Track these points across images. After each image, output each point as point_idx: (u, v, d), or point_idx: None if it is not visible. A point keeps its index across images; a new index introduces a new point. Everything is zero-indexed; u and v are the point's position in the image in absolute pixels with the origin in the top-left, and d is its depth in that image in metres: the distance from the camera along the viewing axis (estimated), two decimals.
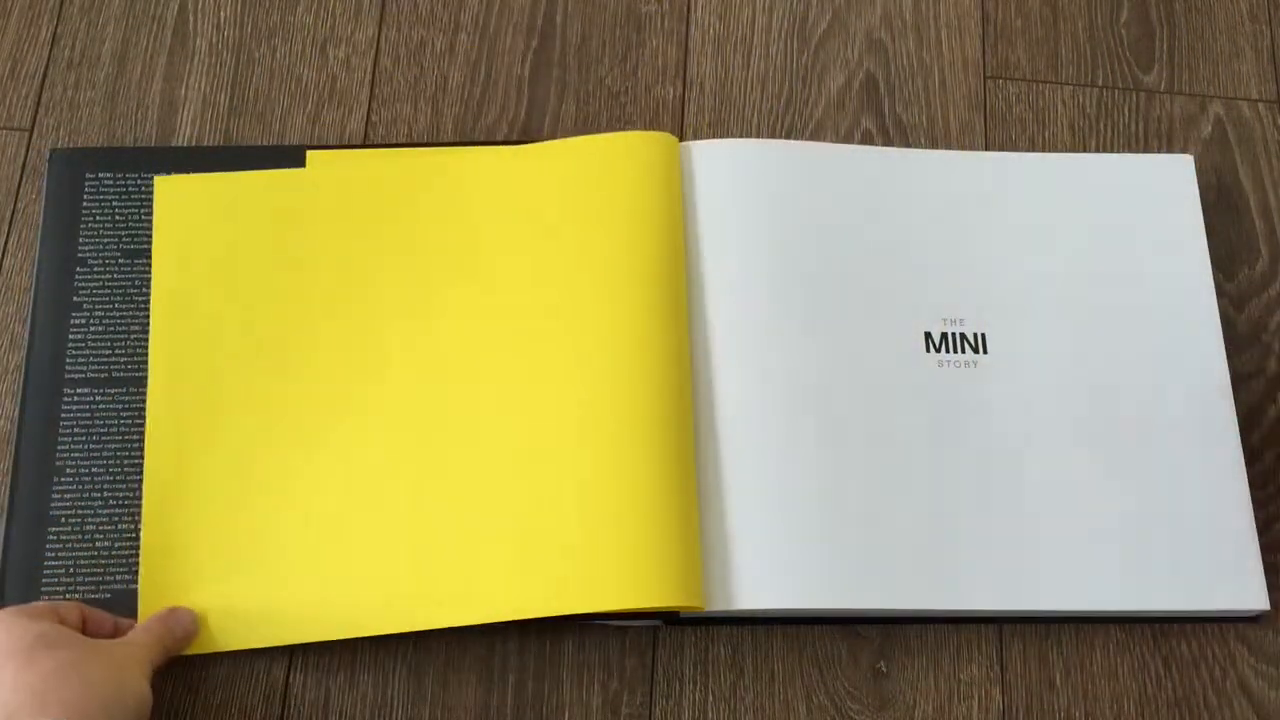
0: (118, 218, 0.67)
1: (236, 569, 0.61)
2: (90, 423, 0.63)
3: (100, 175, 0.68)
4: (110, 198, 0.67)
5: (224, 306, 0.65)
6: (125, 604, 0.60)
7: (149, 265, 0.66)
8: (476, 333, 0.64)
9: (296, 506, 0.62)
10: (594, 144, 0.69)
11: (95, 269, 0.66)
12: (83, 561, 0.61)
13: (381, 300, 0.65)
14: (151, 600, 0.60)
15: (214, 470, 0.62)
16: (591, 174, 0.67)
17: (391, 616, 0.60)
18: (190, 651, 0.59)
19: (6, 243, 0.68)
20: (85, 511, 0.62)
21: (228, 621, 0.60)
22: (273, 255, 0.66)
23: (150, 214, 0.67)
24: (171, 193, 0.67)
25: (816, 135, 0.73)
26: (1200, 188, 0.71)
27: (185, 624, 0.59)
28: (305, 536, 0.61)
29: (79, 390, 0.64)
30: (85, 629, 0.57)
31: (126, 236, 0.67)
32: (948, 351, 0.66)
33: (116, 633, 0.58)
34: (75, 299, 0.65)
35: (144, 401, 0.63)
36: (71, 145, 0.70)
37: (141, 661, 0.55)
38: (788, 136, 0.72)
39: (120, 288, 0.66)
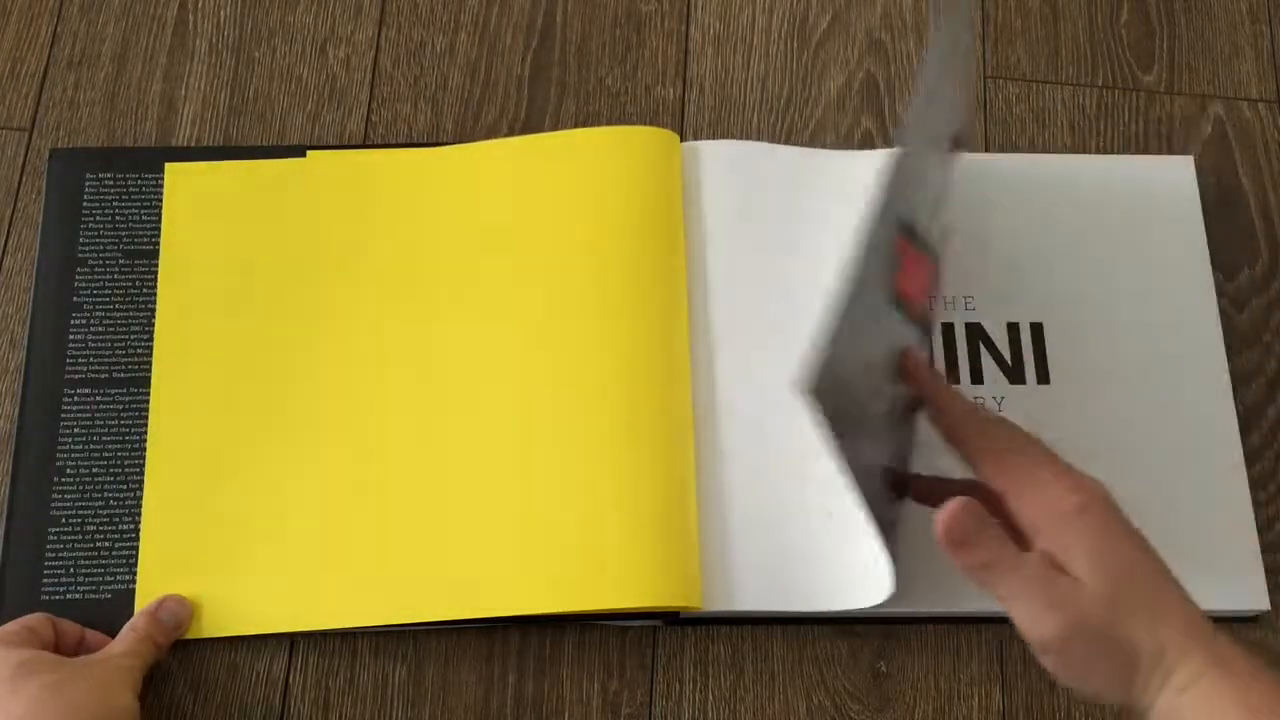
0: (118, 218, 0.67)
1: (237, 557, 0.61)
2: (90, 423, 0.63)
3: (100, 175, 0.68)
4: (110, 198, 0.67)
5: (229, 295, 0.65)
6: (125, 604, 0.60)
7: (149, 265, 0.66)
8: (477, 326, 0.65)
9: (297, 498, 0.62)
10: (594, 137, 0.69)
11: (95, 269, 0.66)
12: (83, 561, 0.61)
13: (383, 293, 0.65)
14: (149, 593, 0.60)
15: (216, 463, 0.62)
16: (591, 167, 0.67)
17: (391, 608, 0.60)
18: (188, 636, 0.59)
19: (6, 243, 0.68)
20: (85, 511, 0.62)
21: (226, 607, 0.60)
22: (277, 245, 0.66)
23: (150, 214, 0.67)
24: (181, 179, 0.67)
25: (817, 135, 0.73)
26: (1200, 188, 0.70)
27: (176, 612, 0.59)
28: (307, 528, 0.61)
29: (79, 390, 0.64)
30: (58, 641, 0.57)
31: (126, 236, 0.67)
32: None
33: (83, 644, 0.58)
34: (75, 299, 0.65)
35: (144, 401, 0.63)
36: (71, 145, 0.70)
37: (127, 673, 0.55)
38: (788, 136, 0.72)
39: (120, 288, 0.66)
